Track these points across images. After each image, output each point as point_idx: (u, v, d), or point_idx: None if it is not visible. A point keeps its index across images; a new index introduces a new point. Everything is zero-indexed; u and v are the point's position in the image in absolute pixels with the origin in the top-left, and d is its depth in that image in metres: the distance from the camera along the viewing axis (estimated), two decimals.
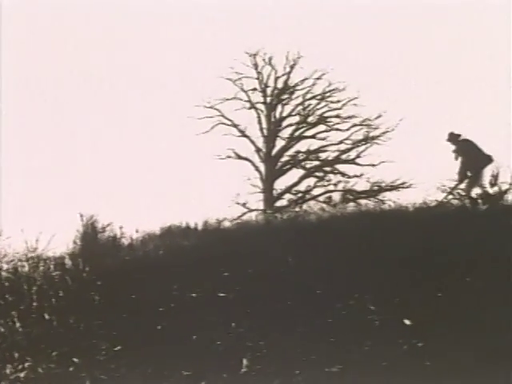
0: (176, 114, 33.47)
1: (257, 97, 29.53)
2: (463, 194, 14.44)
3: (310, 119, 29.12)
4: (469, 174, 14.46)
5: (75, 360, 8.28)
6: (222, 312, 9.16)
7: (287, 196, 28.30)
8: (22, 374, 8.18)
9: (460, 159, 14.56)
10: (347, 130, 28.79)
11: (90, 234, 13.70)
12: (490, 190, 14.13)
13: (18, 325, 9.31)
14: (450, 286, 9.18)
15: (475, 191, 14.30)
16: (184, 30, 36.42)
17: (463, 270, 9.55)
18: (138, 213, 21.21)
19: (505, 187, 14.50)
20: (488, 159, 14.28)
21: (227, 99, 29.34)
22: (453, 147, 14.74)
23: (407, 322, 8.37)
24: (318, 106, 29.17)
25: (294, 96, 29.39)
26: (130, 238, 13.92)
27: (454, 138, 14.72)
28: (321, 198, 27.16)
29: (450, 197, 14.79)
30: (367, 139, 28.46)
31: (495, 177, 14.27)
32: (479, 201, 13.80)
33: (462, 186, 14.54)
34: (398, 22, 36.12)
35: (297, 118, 29.32)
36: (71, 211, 14.54)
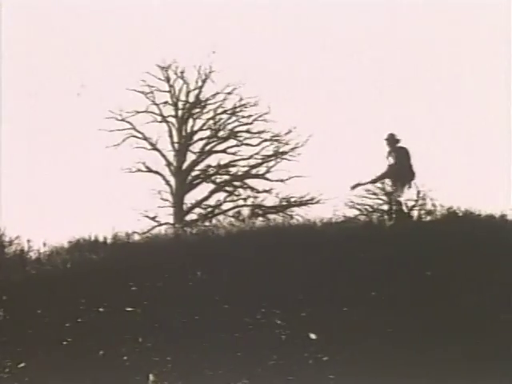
0: (86, 126, 33.00)
1: (168, 110, 29.50)
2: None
3: (220, 134, 29.29)
4: (392, 181, 14.31)
5: None
6: (129, 327, 9.11)
7: (197, 210, 28.35)
8: None
9: (389, 163, 14.18)
10: (257, 145, 29.10)
11: None
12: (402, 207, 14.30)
13: None
14: (354, 301, 9.40)
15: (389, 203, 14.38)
16: (97, 41, 36.05)
17: (368, 285, 9.80)
18: (45, 226, 20.82)
19: (411, 204, 14.90)
20: (412, 174, 14.05)
21: (138, 112, 29.17)
22: (387, 148, 14.32)
23: (313, 336, 8.52)
24: (229, 121, 29.41)
25: (205, 110, 29.52)
26: (37, 251, 13.65)
27: (392, 141, 14.26)
28: (230, 213, 27.32)
29: (358, 212, 15.09)
30: (277, 154, 28.80)
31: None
32: (386, 216, 14.06)
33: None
34: (307, 38, 36.80)
35: (208, 133, 29.47)
36: None
